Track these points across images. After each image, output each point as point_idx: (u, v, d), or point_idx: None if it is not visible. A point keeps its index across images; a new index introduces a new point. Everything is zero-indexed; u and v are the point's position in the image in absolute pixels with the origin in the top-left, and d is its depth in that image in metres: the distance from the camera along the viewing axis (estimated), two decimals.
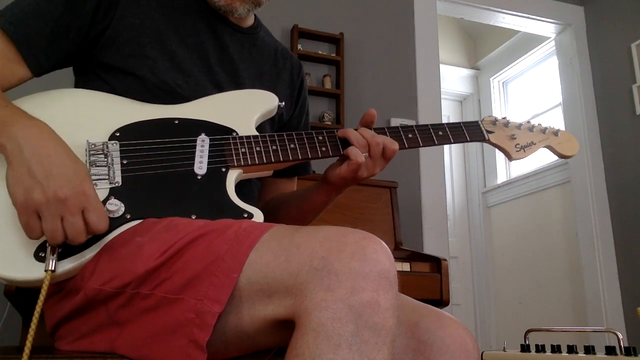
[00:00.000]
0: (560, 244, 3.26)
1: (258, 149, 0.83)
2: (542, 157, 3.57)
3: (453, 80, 4.20)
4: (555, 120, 3.47)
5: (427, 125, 0.93)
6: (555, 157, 3.60)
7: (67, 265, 0.69)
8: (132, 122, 0.82)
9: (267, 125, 0.97)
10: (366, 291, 0.56)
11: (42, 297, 0.65)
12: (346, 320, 0.54)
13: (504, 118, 1.00)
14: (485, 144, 3.98)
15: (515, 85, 4.04)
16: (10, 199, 0.66)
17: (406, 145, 0.91)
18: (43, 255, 0.68)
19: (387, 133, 0.91)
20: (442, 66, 2.78)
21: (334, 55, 2.46)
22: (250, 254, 0.63)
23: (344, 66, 2.45)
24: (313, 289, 0.56)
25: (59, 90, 0.85)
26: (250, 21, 1.02)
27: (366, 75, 2.53)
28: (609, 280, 2.69)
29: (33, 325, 0.63)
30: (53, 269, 0.67)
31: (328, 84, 2.40)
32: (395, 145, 0.87)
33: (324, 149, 0.87)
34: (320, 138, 0.87)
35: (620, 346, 1.39)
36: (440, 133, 0.92)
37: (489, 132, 0.96)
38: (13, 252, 0.68)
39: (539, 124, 1.00)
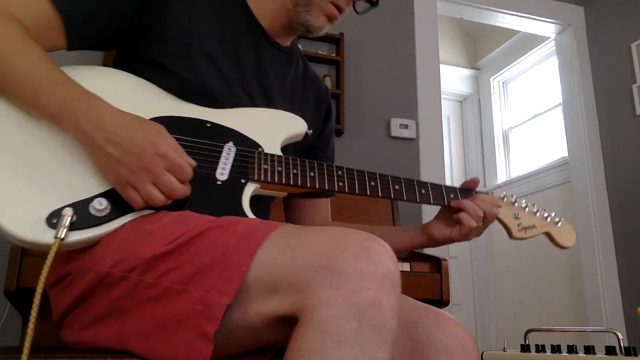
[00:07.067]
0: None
1: (280, 168, 0.85)
2: (542, 157, 3.57)
3: (453, 80, 4.20)
4: (555, 120, 3.47)
5: (439, 184, 1.00)
6: (555, 157, 3.56)
7: (77, 236, 0.70)
8: (166, 115, 0.84)
9: (290, 147, 0.98)
10: (370, 291, 0.57)
11: (48, 263, 0.66)
12: (349, 318, 0.55)
13: (512, 196, 1.03)
14: (485, 145, 3.93)
15: (515, 85, 4.04)
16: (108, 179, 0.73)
17: (418, 200, 0.97)
18: (55, 222, 0.69)
19: (431, 190, 0.98)
20: (442, 66, 2.78)
21: (334, 55, 2.46)
22: (259, 249, 0.63)
23: (344, 66, 2.45)
24: (318, 287, 0.57)
25: (101, 68, 0.87)
26: (288, 42, 1.05)
27: (366, 75, 2.53)
28: (609, 280, 2.69)
29: (37, 295, 0.64)
30: (63, 237, 0.68)
31: (328, 84, 2.40)
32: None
33: (341, 184, 0.88)
34: (340, 173, 0.89)
35: (620, 346, 1.39)
36: (452, 195, 0.99)
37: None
38: (26, 211, 0.69)
39: (543, 209, 1.03)
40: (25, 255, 1.29)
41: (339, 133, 2.37)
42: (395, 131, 2.48)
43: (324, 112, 1.12)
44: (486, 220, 0.94)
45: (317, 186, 0.86)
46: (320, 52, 2.43)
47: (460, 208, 0.94)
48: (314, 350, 0.54)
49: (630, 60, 2.78)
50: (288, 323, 0.61)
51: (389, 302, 0.57)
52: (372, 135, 2.47)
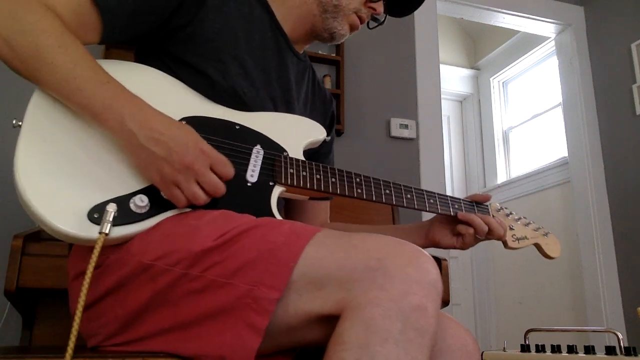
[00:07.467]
0: (560, 244, 3.26)
1: (304, 173, 0.87)
2: (542, 157, 3.57)
3: (453, 80, 4.20)
4: (555, 120, 3.48)
5: (446, 195, 1.02)
6: (555, 157, 3.56)
7: (121, 232, 0.71)
8: (198, 115, 0.85)
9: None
10: (417, 296, 0.60)
11: (94, 257, 0.65)
12: (395, 319, 0.58)
13: (506, 208, 1.09)
14: (485, 145, 3.92)
15: (515, 85, 4.04)
16: (150, 180, 0.74)
17: (428, 209, 0.99)
18: (96, 216, 0.69)
19: (438, 200, 0.99)
20: (442, 66, 2.78)
21: (334, 55, 2.46)
22: (306, 248, 0.65)
23: (344, 66, 2.45)
24: (367, 287, 0.60)
25: (134, 64, 0.88)
26: (302, 49, 1.08)
27: (366, 75, 2.53)
28: (609, 280, 2.69)
29: (84, 290, 0.64)
30: (107, 232, 0.68)
31: (328, 84, 2.40)
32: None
33: (359, 190, 0.91)
34: (358, 180, 0.92)
35: (620, 346, 1.39)
36: (456, 206, 1.01)
37: (493, 216, 1.05)
38: (67, 205, 0.69)
39: (533, 222, 1.11)
40: (25, 255, 1.30)
41: (339, 133, 2.37)
42: (395, 131, 2.49)
43: (328, 119, 1.15)
44: (490, 236, 1.00)
45: (337, 192, 0.89)
46: (320, 52, 2.43)
47: (468, 222, 0.98)
48: (358, 345, 0.57)
49: (630, 60, 2.78)
50: (326, 324, 0.63)
51: (433, 309, 0.61)
52: (372, 135, 2.47)
